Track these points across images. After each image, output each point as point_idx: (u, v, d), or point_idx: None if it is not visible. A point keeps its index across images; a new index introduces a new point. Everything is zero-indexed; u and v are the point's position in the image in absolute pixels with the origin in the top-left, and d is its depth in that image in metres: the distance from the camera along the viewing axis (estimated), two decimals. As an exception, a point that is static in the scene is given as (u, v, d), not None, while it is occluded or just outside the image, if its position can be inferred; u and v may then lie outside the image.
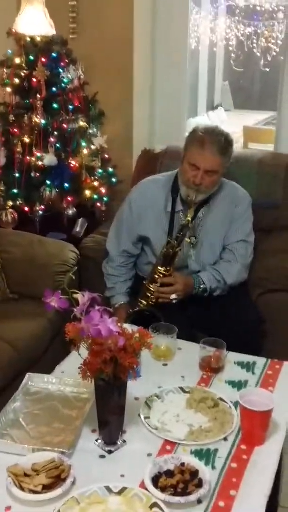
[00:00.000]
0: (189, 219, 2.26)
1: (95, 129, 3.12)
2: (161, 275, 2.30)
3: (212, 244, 2.43)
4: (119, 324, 1.46)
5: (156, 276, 2.31)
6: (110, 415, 1.56)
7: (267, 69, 6.81)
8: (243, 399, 1.60)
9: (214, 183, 2.34)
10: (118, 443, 1.57)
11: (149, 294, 2.33)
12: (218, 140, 2.27)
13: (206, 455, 1.55)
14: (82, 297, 1.42)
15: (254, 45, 6.68)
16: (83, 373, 1.50)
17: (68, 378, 1.83)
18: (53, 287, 2.48)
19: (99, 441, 1.58)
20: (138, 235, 2.48)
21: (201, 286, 2.35)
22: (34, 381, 1.84)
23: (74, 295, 1.42)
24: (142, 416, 1.68)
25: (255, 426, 1.59)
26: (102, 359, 1.44)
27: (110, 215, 3.29)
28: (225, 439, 1.61)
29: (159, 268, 2.31)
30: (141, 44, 3.28)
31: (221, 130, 2.34)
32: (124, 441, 1.59)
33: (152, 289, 2.32)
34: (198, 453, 1.55)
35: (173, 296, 2.26)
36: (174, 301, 2.27)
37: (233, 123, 6.43)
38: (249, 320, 2.32)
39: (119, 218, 2.55)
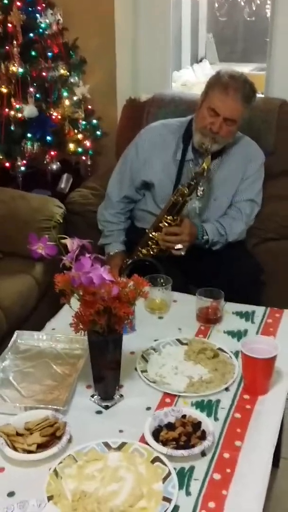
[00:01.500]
0: (205, 167, 2.12)
1: (76, 78, 2.96)
2: (166, 224, 2.19)
3: (220, 199, 2.32)
4: (113, 272, 1.36)
5: (162, 225, 2.19)
6: (105, 370, 1.48)
7: (253, 18, 6.60)
8: (245, 347, 1.53)
9: (231, 133, 2.22)
10: (115, 398, 1.50)
11: (150, 243, 2.22)
12: (243, 87, 2.15)
13: (208, 407, 1.48)
14: (72, 243, 1.31)
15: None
16: (75, 326, 1.40)
17: (59, 335, 1.74)
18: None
19: (95, 396, 1.50)
20: (142, 180, 2.36)
21: (204, 237, 2.24)
22: (24, 339, 1.75)
23: (62, 241, 1.31)
24: (139, 370, 1.60)
25: (258, 374, 1.53)
26: (95, 309, 1.34)
27: (95, 169, 3.17)
28: (226, 389, 1.54)
29: (166, 216, 2.19)
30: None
31: (246, 77, 2.20)
32: (121, 395, 1.51)
33: (155, 238, 2.20)
34: (200, 405, 1.48)
35: (178, 246, 2.15)
36: (179, 252, 2.15)
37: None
38: (248, 270, 2.23)
39: (124, 161, 2.42)
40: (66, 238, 1.32)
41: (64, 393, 1.51)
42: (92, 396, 1.51)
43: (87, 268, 1.28)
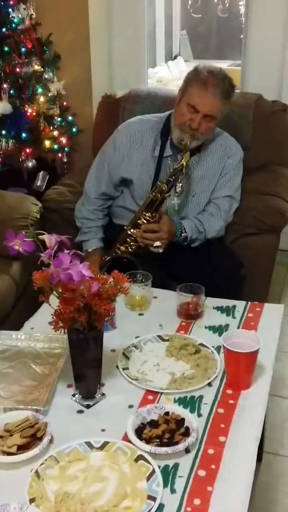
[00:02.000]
0: (184, 163, 2.10)
1: (51, 74, 2.92)
2: (145, 221, 2.16)
3: (199, 196, 2.30)
4: (92, 268, 1.33)
5: (140, 221, 2.17)
6: (86, 368, 1.45)
7: (226, 15, 6.61)
8: (227, 342, 1.51)
9: (210, 129, 2.19)
10: (97, 396, 1.47)
11: (129, 240, 2.20)
12: (223, 83, 2.11)
13: (190, 403, 1.46)
14: (50, 239, 1.28)
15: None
16: (54, 325, 1.37)
17: (38, 334, 1.70)
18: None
19: (76, 395, 1.48)
20: (120, 177, 2.33)
21: (183, 234, 2.22)
22: (2, 339, 1.71)
23: (40, 237, 1.28)
24: (120, 367, 1.58)
25: (241, 369, 1.51)
26: (75, 307, 1.31)
27: (72, 166, 3.14)
28: (209, 385, 1.53)
29: (144, 213, 2.17)
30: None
31: (225, 73, 2.17)
32: (103, 394, 1.48)
33: (133, 235, 2.18)
34: (183, 401, 1.46)
35: (156, 243, 2.12)
36: (158, 249, 2.12)
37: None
38: (227, 266, 2.22)
39: (101, 158, 2.39)
40: (44, 234, 1.28)
41: (44, 393, 1.48)
42: (73, 395, 1.48)
43: (66, 265, 1.25)
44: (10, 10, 2.76)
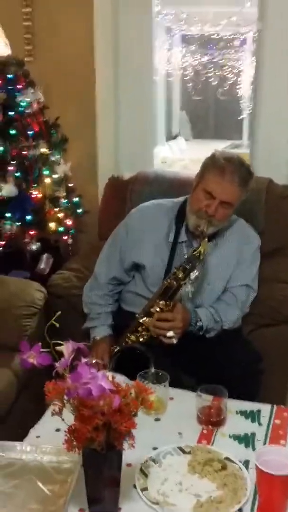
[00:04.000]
0: (202, 250, 2.00)
1: (57, 156, 2.86)
2: (158, 309, 2.03)
3: (214, 284, 2.19)
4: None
5: (153, 310, 2.04)
6: (102, 490, 1.27)
7: (225, 97, 6.78)
8: (260, 459, 1.34)
9: (227, 216, 2.12)
10: (114, 526, 1.28)
11: (140, 329, 2.06)
12: (240, 170, 2.06)
13: (221, 534, 1.27)
14: (67, 348, 1.14)
15: (210, 74, 6.62)
16: (68, 444, 1.21)
17: (45, 445, 1.52)
18: (19, 334, 2.20)
19: (91, 524, 1.29)
20: (132, 262, 2.22)
21: (198, 323, 2.09)
22: (4, 451, 1.53)
23: (58, 348, 1.14)
24: (138, 488, 1.40)
25: (276, 492, 1.33)
26: (93, 425, 1.15)
27: (76, 248, 3.04)
28: (239, 510, 1.34)
29: (158, 301, 2.04)
30: (103, 69, 3.08)
31: (242, 160, 2.13)
32: (121, 522, 1.30)
33: (145, 323, 2.04)
34: (212, 532, 1.28)
35: (170, 333, 1.98)
36: (171, 340, 1.98)
37: (194, 152, 6.33)
38: (247, 359, 2.07)
39: (113, 241, 2.29)
40: (61, 344, 1.14)
41: (53, 520, 1.29)
42: (87, 523, 1.30)
43: (86, 378, 1.10)
44: (17, 93, 2.73)
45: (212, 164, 2.08)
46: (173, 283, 2.01)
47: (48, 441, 1.54)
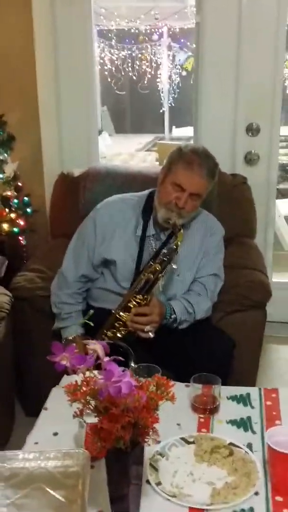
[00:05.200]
0: (178, 242, 2.01)
1: (5, 155, 2.76)
2: (136, 304, 2.02)
3: (184, 275, 2.20)
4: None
5: (131, 304, 2.03)
6: (126, 488, 1.25)
7: (147, 91, 6.82)
8: (271, 440, 1.37)
9: (196, 208, 2.14)
10: (139, 522, 1.27)
11: (117, 325, 2.04)
12: (207, 162, 2.09)
13: (243, 519, 1.29)
14: (101, 350, 1.10)
15: (130, 68, 6.65)
16: (91, 446, 1.17)
17: (48, 451, 1.47)
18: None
19: (115, 525, 1.26)
20: (102, 258, 2.19)
21: (172, 316, 2.10)
22: (6, 461, 1.46)
23: (90, 347, 1.10)
24: (152, 483, 1.39)
25: (289, 471, 1.37)
26: (122, 424, 1.13)
27: (29, 249, 2.95)
28: (256, 493, 1.36)
29: (135, 295, 2.03)
30: (43, 65, 3.01)
31: (207, 151, 2.14)
32: (146, 519, 1.28)
33: (123, 319, 2.02)
34: (233, 517, 1.29)
35: (147, 327, 1.98)
36: (148, 334, 1.98)
37: (121, 147, 6.34)
38: (222, 346, 2.11)
39: (80, 238, 2.25)
40: (93, 342, 1.10)
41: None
42: (110, 525, 1.27)
43: (117, 376, 1.08)
44: None
45: (179, 157, 2.09)
46: (151, 276, 2.01)
47: (47, 446, 1.50)
